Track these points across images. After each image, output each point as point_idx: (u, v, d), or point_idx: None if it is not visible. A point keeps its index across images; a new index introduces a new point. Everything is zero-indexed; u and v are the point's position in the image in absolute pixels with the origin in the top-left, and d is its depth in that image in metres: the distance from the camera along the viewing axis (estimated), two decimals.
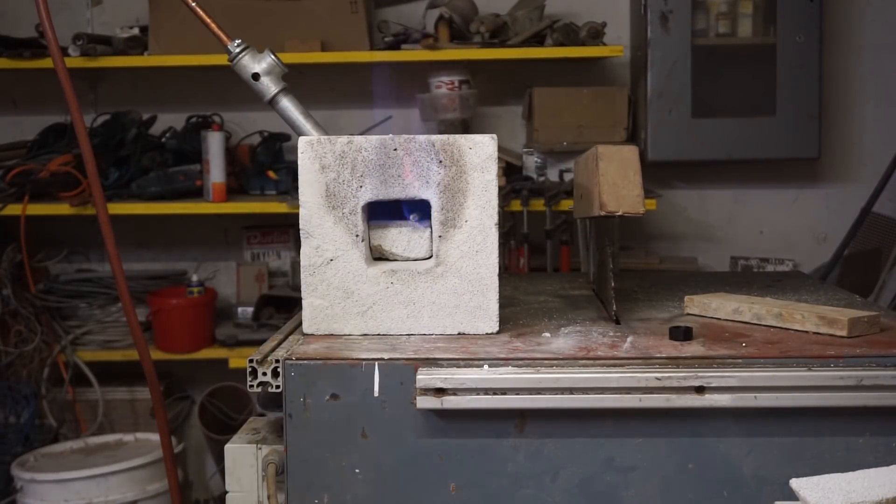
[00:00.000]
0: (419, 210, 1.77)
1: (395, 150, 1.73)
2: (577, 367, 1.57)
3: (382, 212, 1.79)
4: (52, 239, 3.94)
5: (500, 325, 1.76)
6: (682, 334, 1.69)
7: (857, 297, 2.12)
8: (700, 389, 1.52)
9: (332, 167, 1.74)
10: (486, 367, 1.56)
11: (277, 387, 1.61)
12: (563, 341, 1.70)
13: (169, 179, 3.60)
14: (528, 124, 3.76)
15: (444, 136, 1.74)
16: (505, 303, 1.89)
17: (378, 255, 1.81)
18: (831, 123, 3.81)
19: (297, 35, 3.52)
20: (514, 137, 3.85)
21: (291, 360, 1.59)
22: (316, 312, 1.76)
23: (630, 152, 1.82)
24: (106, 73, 3.92)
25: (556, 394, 1.53)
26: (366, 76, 3.84)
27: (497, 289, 1.75)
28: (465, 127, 3.63)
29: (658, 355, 1.60)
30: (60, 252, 3.97)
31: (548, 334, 1.75)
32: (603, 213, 1.77)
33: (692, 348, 1.64)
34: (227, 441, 1.71)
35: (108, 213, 2.03)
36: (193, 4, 1.90)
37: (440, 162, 1.73)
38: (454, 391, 1.52)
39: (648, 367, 1.56)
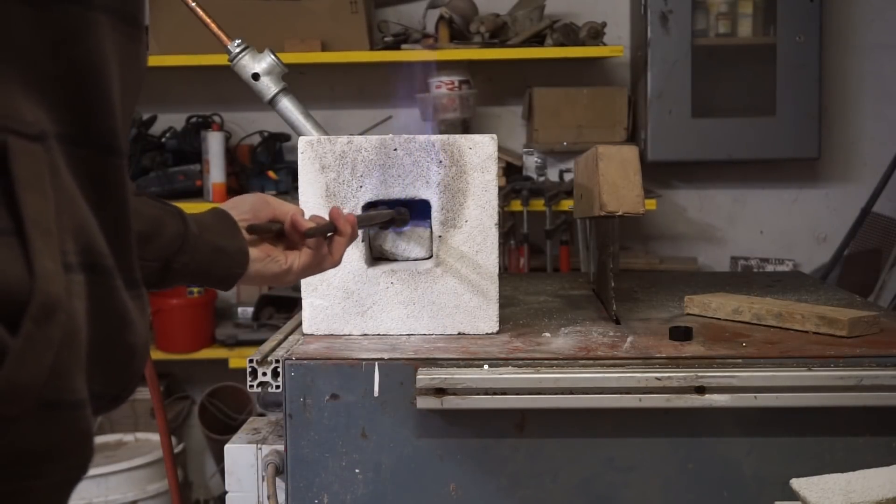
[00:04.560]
0: (419, 210, 1.77)
1: (395, 150, 1.73)
2: (577, 367, 1.57)
3: None
4: None
5: (500, 325, 1.76)
6: (682, 334, 1.69)
7: (857, 297, 2.12)
8: (700, 389, 1.52)
9: (332, 167, 1.74)
10: (486, 367, 1.56)
11: (277, 387, 1.61)
12: (563, 341, 1.70)
13: (169, 179, 3.60)
14: (528, 124, 3.75)
15: (444, 136, 1.74)
16: (505, 303, 1.89)
17: (378, 255, 1.81)
18: (831, 123, 3.81)
19: (297, 35, 3.52)
20: (514, 137, 3.85)
21: (291, 360, 1.59)
22: (316, 312, 1.76)
23: (630, 152, 1.82)
24: None
25: (556, 394, 1.53)
26: (366, 76, 3.84)
27: (497, 289, 1.75)
28: (465, 127, 3.62)
29: (658, 355, 1.60)
30: None
31: (548, 334, 1.75)
32: (603, 213, 1.77)
33: (692, 348, 1.64)
34: (227, 441, 1.71)
35: None
36: (193, 4, 1.90)
37: (440, 162, 1.73)
38: (454, 391, 1.52)
39: (648, 367, 1.56)
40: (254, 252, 1.24)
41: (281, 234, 1.29)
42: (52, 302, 0.63)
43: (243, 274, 1.23)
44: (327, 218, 1.33)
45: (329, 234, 1.34)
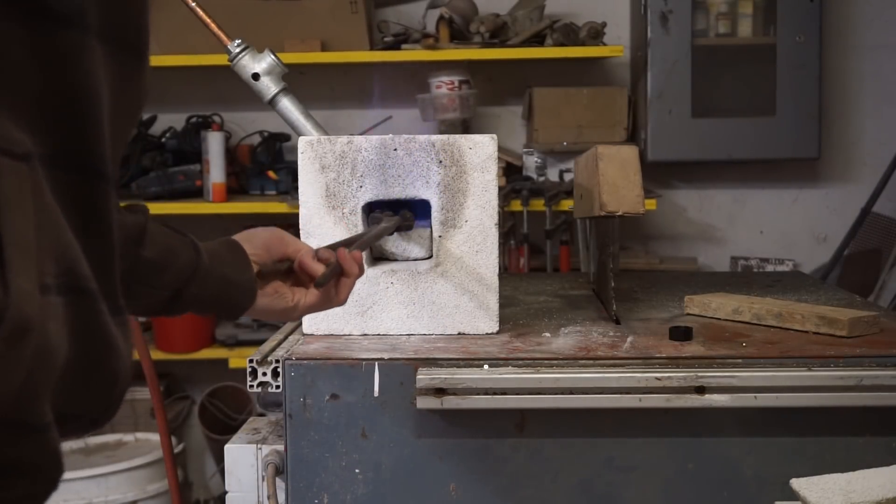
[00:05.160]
0: (419, 210, 1.77)
1: (395, 150, 1.73)
2: (577, 367, 1.57)
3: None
4: None
5: (500, 325, 1.76)
6: (682, 334, 1.69)
7: (857, 297, 2.12)
8: (700, 389, 1.52)
9: (332, 167, 1.74)
10: (486, 367, 1.56)
11: (277, 387, 1.61)
12: (563, 341, 1.70)
13: (169, 179, 3.60)
14: (528, 124, 3.76)
15: (444, 136, 1.74)
16: (505, 303, 1.89)
17: (378, 255, 1.81)
18: (831, 123, 3.81)
19: (297, 35, 3.52)
20: (514, 137, 3.85)
21: (291, 360, 1.59)
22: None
23: (630, 152, 1.82)
24: None
25: (556, 394, 1.53)
26: (366, 76, 3.84)
27: (497, 289, 1.75)
28: (465, 127, 3.63)
29: (658, 355, 1.60)
30: None
31: (548, 334, 1.75)
32: (603, 213, 1.77)
33: (692, 348, 1.64)
34: (227, 441, 1.71)
35: None
36: (193, 4, 1.90)
37: (440, 162, 1.73)
38: (454, 391, 1.52)
39: (648, 367, 1.56)
40: (262, 287, 1.26)
41: (290, 270, 1.29)
42: (24, 323, 0.62)
43: (250, 307, 1.24)
44: (336, 254, 1.33)
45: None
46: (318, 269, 1.28)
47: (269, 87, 1.90)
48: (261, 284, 1.25)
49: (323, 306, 1.33)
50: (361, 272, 1.35)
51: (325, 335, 1.75)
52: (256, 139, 3.81)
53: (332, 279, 1.30)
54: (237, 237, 1.26)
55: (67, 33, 0.70)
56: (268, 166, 3.71)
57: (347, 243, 1.47)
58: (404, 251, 1.80)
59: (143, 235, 1.09)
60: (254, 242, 1.26)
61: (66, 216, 0.70)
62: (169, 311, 1.16)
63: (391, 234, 1.74)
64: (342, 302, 1.35)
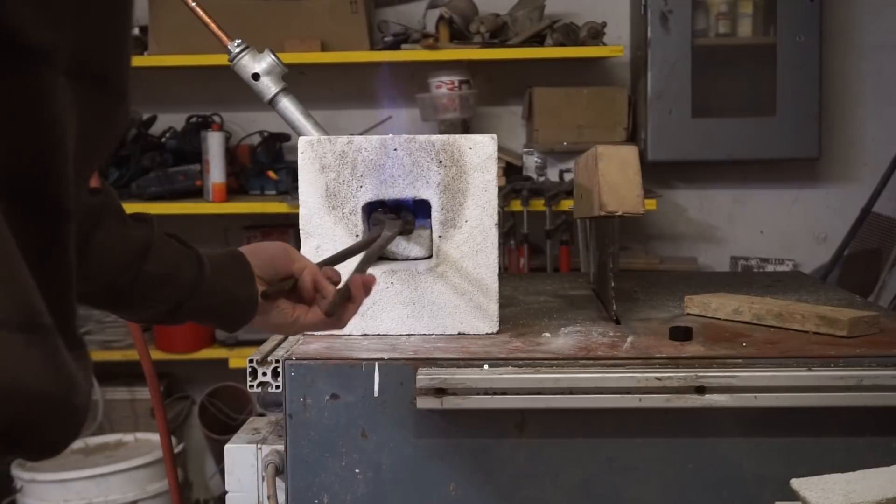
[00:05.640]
0: (419, 210, 1.77)
1: (395, 150, 1.73)
2: (577, 367, 1.57)
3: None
4: None
5: (500, 325, 1.76)
6: (682, 334, 1.69)
7: (857, 297, 2.12)
8: (700, 389, 1.52)
9: (332, 167, 1.74)
10: (486, 367, 1.56)
11: (277, 387, 1.61)
12: (563, 341, 1.70)
13: (169, 179, 3.60)
14: (528, 124, 3.76)
15: (444, 136, 1.74)
16: (505, 303, 1.89)
17: (378, 255, 1.81)
18: (831, 123, 3.81)
19: (297, 35, 3.52)
20: (514, 137, 3.85)
21: (291, 360, 1.59)
22: None
23: (630, 152, 1.82)
24: None
25: (556, 394, 1.53)
26: (366, 76, 3.84)
27: (497, 289, 1.75)
28: (465, 127, 3.63)
29: (658, 355, 1.60)
30: None
31: (548, 334, 1.75)
32: (603, 213, 1.77)
33: (692, 348, 1.64)
34: (227, 441, 1.71)
35: None
36: (193, 4, 1.90)
37: (440, 162, 1.73)
38: (454, 391, 1.52)
39: (648, 367, 1.56)
40: (263, 303, 1.26)
41: (292, 287, 1.29)
42: None
43: (250, 321, 1.25)
44: (338, 276, 1.32)
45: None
46: (329, 289, 1.28)
47: (269, 87, 1.90)
48: (262, 302, 1.25)
49: (323, 327, 1.33)
50: (368, 295, 1.35)
51: (325, 335, 1.75)
52: (256, 139, 3.80)
53: (340, 305, 1.30)
54: (243, 250, 1.26)
55: (36, 70, 0.69)
56: (268, 166, 3.71)
57: (349, 253, 1.47)
58: (404, 251, 1.80)
59: (148, 250, 1.09)
60: (260, 256, 1.26)
61: (23, 251, 0.68)
62: (168, 321, 1.18)
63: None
64: (343, 326, 1.34)
